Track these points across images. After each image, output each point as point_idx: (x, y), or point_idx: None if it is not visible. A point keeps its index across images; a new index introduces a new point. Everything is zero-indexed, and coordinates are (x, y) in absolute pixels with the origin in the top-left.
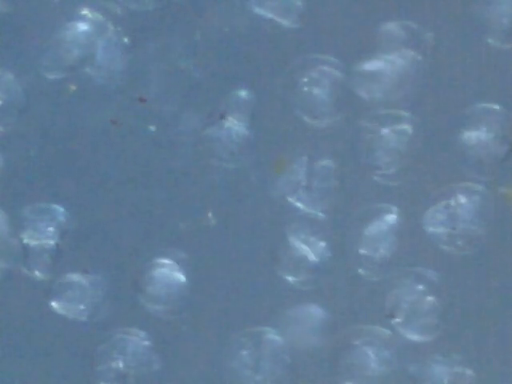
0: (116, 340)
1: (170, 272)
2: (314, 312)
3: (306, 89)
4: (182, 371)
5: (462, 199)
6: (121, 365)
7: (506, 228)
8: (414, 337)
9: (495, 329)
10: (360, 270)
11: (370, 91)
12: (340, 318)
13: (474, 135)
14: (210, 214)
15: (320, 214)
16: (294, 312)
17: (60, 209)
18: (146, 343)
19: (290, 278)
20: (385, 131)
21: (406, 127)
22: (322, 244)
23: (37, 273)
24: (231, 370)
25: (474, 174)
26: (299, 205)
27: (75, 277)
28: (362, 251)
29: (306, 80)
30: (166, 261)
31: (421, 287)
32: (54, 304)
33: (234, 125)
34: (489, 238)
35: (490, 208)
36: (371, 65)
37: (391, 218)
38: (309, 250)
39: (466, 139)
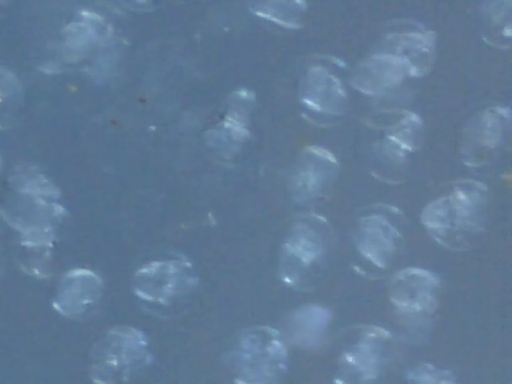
0: (111, 338)
1: (168, 272)
2: (314, 312)
3: (306, 89)
4: (177, 370)
5: (461, 195)
6: (115, 363)
7: (505, 225)
8: (412, 338)
9: (494, 327)
10: (360, 270)
11: (372, 91)
12: (339, 318)
13: (473, 132)
14: (210, 214)
15: (320, 216)
16: (293, 312)
17: (60, 208)
18: (142, 342)
19: (289, 279)
20: (386, 130)
21: (407, 125)
22: (322, 244)
23: (35, 271)
24: (228, 369)
25: (474, 170)
26: (299, 204)
27: (73, 275)
28: (362, 251)
29: (306, 80)
30: (164, 261)
31: (419, 287)
32: (50, 302)
33: (234, 125)
34: (488, 235)
35: (489, 205)
36: (372, 64)
37: (391, 216)
38: (308, 249)
39: (466, 136)
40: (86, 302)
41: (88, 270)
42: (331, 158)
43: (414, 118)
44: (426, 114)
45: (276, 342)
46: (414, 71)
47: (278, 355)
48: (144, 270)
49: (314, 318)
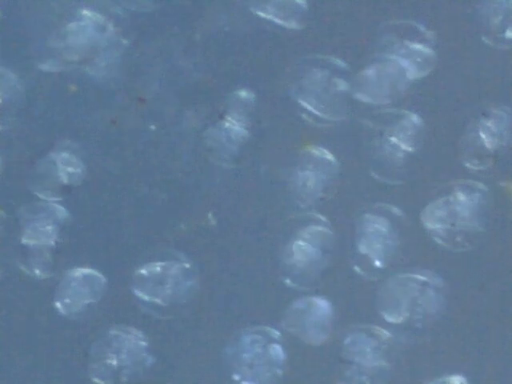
0: (111, 338)
1: (168, 272)
2: (314, 312)
3: (306, 89)
4: (177, 370)
5: (462, 196)
6: (115, 362)
7: (505, 225)
8: (412, 338)
9: (494, 327)
10: (360, 270)
11: (372, 92)
12: (339, 318)
13: (474, 133)
14: (210, 215)
15: (320, 216)
16: (293, 312)
17: (60, 208)
18: (142, 342)
19: (289, 279)
20: (386, 130)
21: (407, 126)
22: (323, 244)
23: (35, 271)
24: (227, 370)
25: (474, 171)
26: (299, 205)
27: (73, 275)
28: (362, 251)
29: (306, 80)
30: (164, 261)
31: (420, 287)
32: (50, 301)
33: (234, 125)
34: (488, 235)
35: (489, 205)
36: (372, 66)
37: (391, 217)
38: (308, 249)
39: (466, 137)
40: (86, 301)
41: (88, 269)
42: (331, 158)
43: (415, 118)
44: (426, 114)
45: (276, 343)
46: (414, 72)
47: (277, 356)
48: (144, 270)
49: (316, 310)
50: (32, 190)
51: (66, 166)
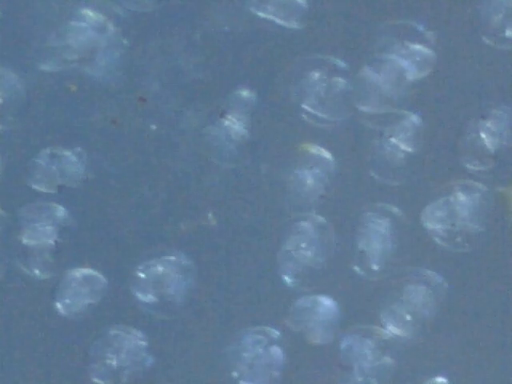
0: (111, 338)
1: (168, 272)
2: (319, 311)
3: (306, 89)
4: (177, 370)
5: (462, 196)
6: (115, 362)
7: (505, 226)
8: (411, 338)
9: (494, 327)
10: (360, 270)
11: (371, 95)
12: (339, 318)
13: (474, 133)
14: (210, 215)
15: (320, 216)
16: (298, 310)
17: (60, 208)
18: (142, 342)
19: (289, 279)
20: (385, 130)
21: (407, 126)
22: (322, 244)
23: (36, 271)
24: (227, 369)
25: (474, 171)
26: (300, 204)
27: (73, 275)
28: (362, 251)
29: (306, 80)
30: (164, 261)
31: (421, 287)
32: (50, 301)
33: (234, 124)
34: (488, 236)
35: (489, 205)
36: (372, 66)
37: (391, 217)
38: (308, 249)
39: (466, 137)
40: (86, 301)
41: (88, 269)
42: (331, 158)
43: (415, 118)
44: (426, 114)
45: (276, 344)
46: (414, 72)
47: (277, 357)
48: (144, 270)
49: (321, 309)
50: (31, 185)
51: (67, 166)
